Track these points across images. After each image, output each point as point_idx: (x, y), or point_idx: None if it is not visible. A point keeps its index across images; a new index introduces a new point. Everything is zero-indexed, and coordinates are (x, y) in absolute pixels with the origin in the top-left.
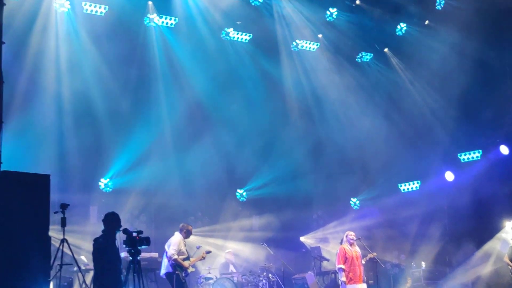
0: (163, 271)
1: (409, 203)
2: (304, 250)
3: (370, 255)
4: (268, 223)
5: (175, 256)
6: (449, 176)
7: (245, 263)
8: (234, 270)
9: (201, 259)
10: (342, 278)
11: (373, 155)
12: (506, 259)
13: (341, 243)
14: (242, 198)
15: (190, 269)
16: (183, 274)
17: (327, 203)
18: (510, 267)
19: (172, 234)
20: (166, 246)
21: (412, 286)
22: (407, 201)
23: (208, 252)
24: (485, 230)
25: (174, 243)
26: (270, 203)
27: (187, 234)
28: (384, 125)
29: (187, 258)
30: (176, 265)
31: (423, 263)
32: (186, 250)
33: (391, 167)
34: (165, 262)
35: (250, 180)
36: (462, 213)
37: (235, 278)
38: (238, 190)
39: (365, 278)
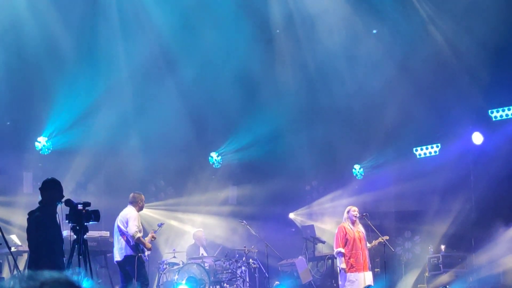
0: (119, 254)
1: (426, 171)
2: (293, 229)
3: (379, 239)
4: (248, 196)
5: (139, 235)
6: (477, 138)
7: (219, 245)
8: (205, 254)
9: (152, 239)
10: (342, 264)
11: (383, 111)
12: None
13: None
14: (216, 164)
15: (148, 251)
16: (145, 257)
17: (323, 171)
18: None
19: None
20: (119, 223)
21: (429, 275)
22: (423, 169)
23: (161, 225)
24: None
25: (134, 218)
26: (251, 171)
27: (141, 206)
28: (397, 75)
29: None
30: (138, 246)
31: (442, 247)
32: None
33: (404, 127)
34: (121, 243)
35: (227, 141)
36: (492, 184)
37: (207, 264)
38: (212, 154)
39: (370, 265)
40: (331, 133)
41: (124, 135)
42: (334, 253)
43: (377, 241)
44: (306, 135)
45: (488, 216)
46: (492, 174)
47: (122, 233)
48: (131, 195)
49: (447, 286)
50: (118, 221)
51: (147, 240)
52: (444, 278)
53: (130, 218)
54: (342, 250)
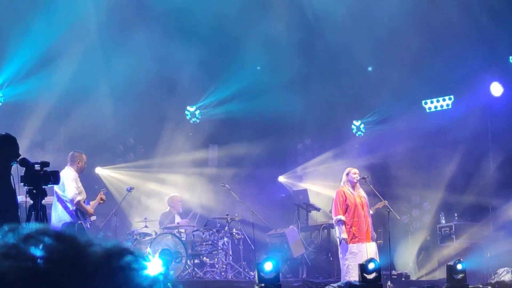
0: (56, 221)
1: (437, 127)
2: (284, 195)
3: (379, 204)
4: (231, 156)
5: (79, 198)
6: (496, 88)
7: (198, 213)
8: (181, 223)
9: (100, 202)
10: (342, 234)
11: (387, 60)
12: None
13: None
14: (194, 119)
15: (93, 217)
16: (87, 224)
17: (317, 128)
18: None
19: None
20: (55, 187)
21: (440, 246)
22: (434, 125)
23: (130, 190)
24: None
25: (71, 179)
26: (234, 128)
27: (81, 168)
28: (407, 17)
29: (86, 203)
30: (78, 212)
31: (455, 215)
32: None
33: (411, 77)
34: (59, 210)
35: (206, 93)
36: None
37: (184, 234)
38: (189, 108)
39: (375, 235)
40: (327, 85)
41: (87, 86)
42: (334, 221)
43: (379, 204)
44: (298, 87)
45: (508, 179)
46: None
47: (59, 198)
48: (70, 153)
49: (461, 260)
50: (55, 185)
51: (93, 204)
52: (456, 250)
53: (66, 179)
54: (343, 218)
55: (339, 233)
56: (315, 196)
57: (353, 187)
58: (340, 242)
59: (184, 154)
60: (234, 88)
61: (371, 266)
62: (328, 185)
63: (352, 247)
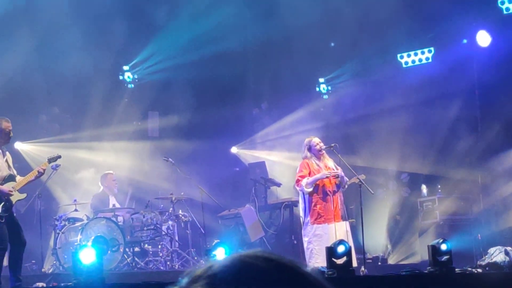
0: None
1: (415, 85)
2: (238, 168)
3: (353, 179)
4: (175, 126)
5: None
6: (483, 38)
7: (137, 193)
8: (117, 205)
9: (36, 176)
10: (307, 217)
11: (357, 6)
12: None
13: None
14: (129, 84)
15: (19, 196)
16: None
17: (276, 89)
18: None
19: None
20: None
21: (422, 224)
22: (411, 82)
23: (56, 168)
24: None
25: None
26: (178, 91)
27: (5, 135)
28: None
29: (11, 179)
30: None
31: (439, 188)
32: (8, 164)
33: (383, 26)
34: None
35: (144, 50)
36: (505, 101)
37: (120, 218)
38: (124, 70)
39: (345, 214)
40: (286, 36)
41: (3, 35)
42: (299, 191)
43: (350, 181)
44: (250, 39)
45: (499, 146)
46: (504, 86)
47: None
48: None
49: (446, 239)
50: None
51: (22, 182)
52: (441, 228)
53: None
54: (309, 189)
55: (303, 211)
56: (275, 169)
57: (319, 158)
58: (303, 223)
59: (119, 124)
60: (178, 45)
61: (340, 249)
62: (290, 156)
63: (317, 228)
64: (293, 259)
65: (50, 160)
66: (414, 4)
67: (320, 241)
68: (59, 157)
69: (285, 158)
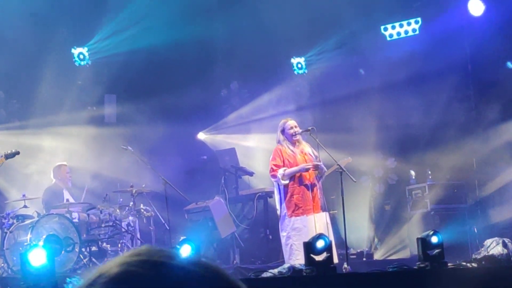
0: None
1: (401, 59)
2: (205, 156)
3: (334, 167)
4: (134, 110)
5: None
6: (476, 6)
7: (93, 186)
8: (72, 200)
9: None
10: (284, 210)
11: None
12: None
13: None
14: (82, 61)
15: None
16: None
17: (246, 67)
18: None
19: None
20: None
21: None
22: (397, 56)
23: (12, 157)
24: None
25: None
26: (137, 73)
27: None
28: None
29: None
30: None
31: (429, 173)
32: None
33: None
34: None
35: (99, 28)
36: (500, 75)
37: (75, 215)
38: (75, 50)
39: (325, 204)
40: (257, 9)
41: None
42: (276, 178)
43: (330, 170)
44: (218, 14)
45: (496, 125)
46: (499, 59)
47: None
48: None
49: (437, 231)
50: None
51: None
52: (431, 218)
53: None
54: (286, 182)
55: (279, 203)
56: (247, 156)
57: (294, 143)
58: (280, 216)
59: (72, 109)
60: (139, 23)
61: (320, 244)
62: (264, 140)
63: (296, 221)
64: (209, 261)
65: (7, 156)
66: None
67: (300, 235)
68: (18, 153)
69: (258, 143)
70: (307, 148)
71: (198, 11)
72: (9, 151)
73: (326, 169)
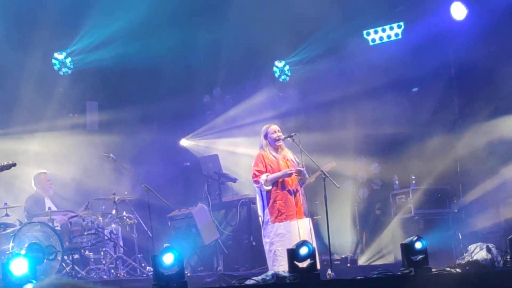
0: None
1: (384, 64)
2: (188, 163)
3: (315, 175)
4: (116, 116)
5: None
6: (458, 10)
7: (75, 194)
8: (54, 208)
9: None
10: (267, 216)
11: None
12: None
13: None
14: (64, 70)
15: None
16: None
17: (229, 73)
18: None
19: None
20: None
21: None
22: (380, 60)
23: (8, 169)
24: None
25: None
26: (119, 78)
27: None
28: None
29: None
30: None
31: (413, 177)
32: None
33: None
34: None
35: (79, 33)
36: (483, 80)
37: (57, 223)
38: (57, 56)
39: (308, 210)
40: (239, 15)
41: None
42: (259, 184)
43: (313, 176)
44: (200, 19)
45: (480, 129)
46: (483, 64)
47: None
48: None
49: (421, 236)
50: None
51: None
52: (415, 224)
53: None
54: (269, 188)
55: (261, 209)
56: (230, 162)
57: (276, 149)
58: (263, 222)
59: (54, 116)
60: (117, 26)
61: (303, 251)
62: (247, 146)
63: (279, 227)
64: None
65: (3, 168)
66: None
67: (283, 241)
68: (14, 164)
69: (241, 149)
70: (289, 154)
71: (181, 17)
72: (5, 163)
73: (307, 176)
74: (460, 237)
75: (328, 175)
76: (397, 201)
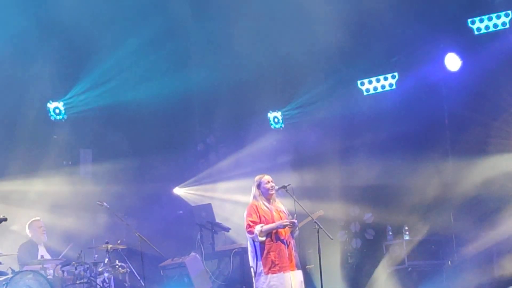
0: None
1: (378, 114)
2: (181, 212)
3: (308, 219)
4: (111, 166)
5: None
6: (453, 61)
7: (69, 242)
8: (47, 256)
9: None
10: (260, 267)
11: (308, 28)
12: None
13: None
14: (59, 117)
15: None
16: None
17: (223, 122)
18: None
19: None
20: None
21: (390, 270)
22: (374, 110)
23: None
24: None
25: None
26: (113, 126)
27: None
28: None
29: None
30: None
31: (407, 229)
32: None
33: (343, 50)
34: None
35: (75, 83)
36: (476, 129)
37: (50, 271)
38: (50, 105)
39: (299, 262)
40: (233, 66)
41: None
42: (253, 234)
43: (302, 222)
44: (193, 68)
45: (474, 181)
46: (476, 114)
47: None
48: None
49: None
50: None
51: None
52: (409, 275)
53: None
54: (262, 239)
55: (253, 260)
56: (223, 212)
57: (269, 199)
58: (255, 273)
59: (47, 163)
60: (109, 75)
61: None
62: (240, 196)
63: (272, 278)
64: None
65: None
66: (375, 23)
67: None
68: (5, 219)
69: (235, 198)
70: (281, 206)
71: (175, 66)
72: None
73: (297, 225)
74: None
75: (322, 227)
76: (390, 252)
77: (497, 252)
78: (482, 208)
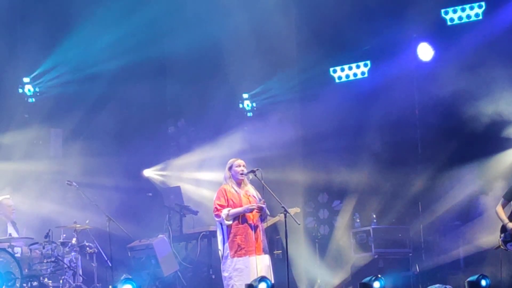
0: None
1: (350, 102)
2: (150, 194)
3: (277, 218)
4: (81, 144)
5: None
6: (425, 51)
7: (36, 221)
8: (15, 234)
9: None
10: (226, 250)
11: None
12: (499, 210)
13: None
14: (30, 97)
15: None
16: None
17: (194, 105)
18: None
19: None
20: None
21: (355, 257)
22: (345, 99)
23: None
24: (490, 152)
25: None
26: (84, 106)
27: None
28: None
29: None
30: None
31: (374, 216)
32: None
33: (315, 38)
34: None
35: (46, 60)
36: (447, 121)
37: (18, 249)
38: (25, 79)
39: (267, 246)
40: (208, 48)
41: None
42: (220, 218)
43: (273, 220)
44: (168, 51)
45: (441, 168)
46: (447, 104)
47: None
48: None
49: (379, 276)
50: None
51: None
52: (375, 263)
53: None
54: (230, 222)
55: (221, 243)
56: (192, 195)
57: (239, 183)
58: (222, 256)
59: (18, 142)
60: (83, 55)
61: (262, 286)
62: (210, 180)
63: (238, 261)
64: None
65: None
66: (348, 12)
67: (241, 275)
68: None
69: (204, 182)
70: (251, 190)
71: (150, 38)
72: None
73: (269, 212)
74: (419, 276)
75: (289, 212)
76: (357, 239)
77: (462, 237)
78: (451, 197)
